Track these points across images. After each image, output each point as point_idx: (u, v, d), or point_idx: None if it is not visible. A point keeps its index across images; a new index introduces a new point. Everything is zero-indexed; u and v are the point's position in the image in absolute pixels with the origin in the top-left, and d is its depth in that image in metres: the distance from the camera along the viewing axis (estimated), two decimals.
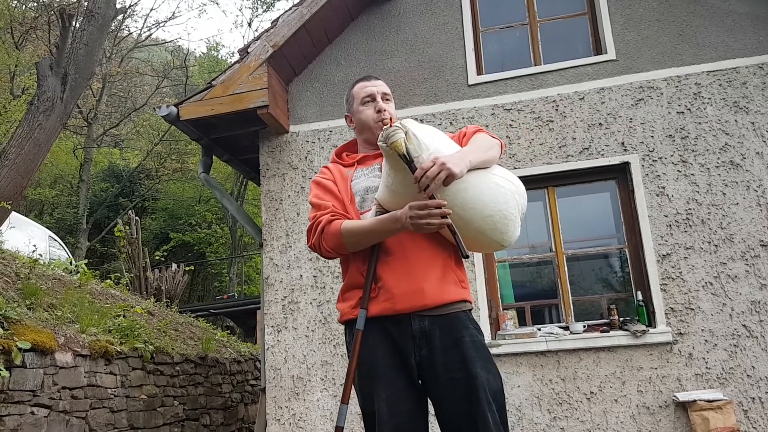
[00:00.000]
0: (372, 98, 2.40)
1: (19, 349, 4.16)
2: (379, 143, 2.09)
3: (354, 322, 2.19)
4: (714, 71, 5.35)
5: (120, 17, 20.56)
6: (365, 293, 2.19)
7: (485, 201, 2.10)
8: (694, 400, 4.69)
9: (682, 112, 5.33)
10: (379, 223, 2.14)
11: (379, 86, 2.44)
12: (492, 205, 2.10)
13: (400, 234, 2.11)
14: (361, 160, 2.40)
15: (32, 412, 4.23)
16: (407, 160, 2.01)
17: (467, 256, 2.02)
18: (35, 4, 17.53)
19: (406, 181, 2.03)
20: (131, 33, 25.19)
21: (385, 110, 2.36)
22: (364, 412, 2.21)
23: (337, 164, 2.48)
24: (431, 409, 2.15)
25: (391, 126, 2.06)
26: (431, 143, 2.08)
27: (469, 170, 2.05)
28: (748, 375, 4.79)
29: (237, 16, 56.90)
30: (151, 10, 42.10)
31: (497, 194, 2.12)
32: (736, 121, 5.23)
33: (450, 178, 1.96)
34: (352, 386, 2.21)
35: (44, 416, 4.35)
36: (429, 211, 1.96)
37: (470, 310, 2.25)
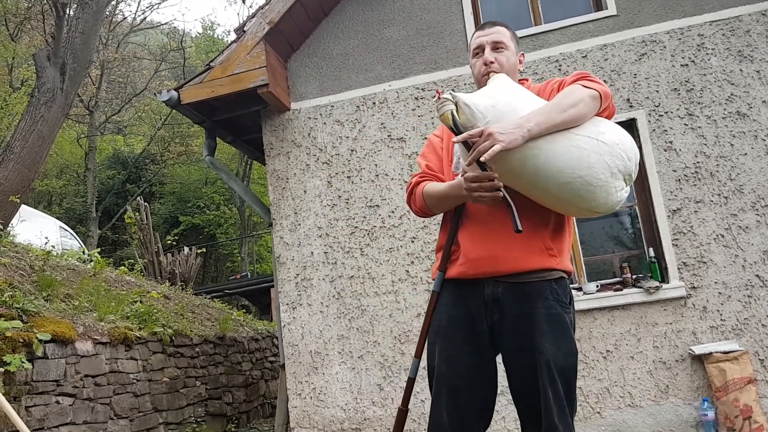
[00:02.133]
0: (481, 49, 2.29)
1: (40, 340, 4.23)
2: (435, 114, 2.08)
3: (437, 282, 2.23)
4: (716, 21, 5.26)
5: (113, 2, 20.38)
6: (444, 256, 2.21)
7: (560, 167, 1.92)
8: (710, 353, 4.71)
9: (686, 65, 5.26)
10: (450, 188, 2.15)
11: (490, 35, 2.29)
12: (568, 171, 1.92)
13: None
14: None
15: (57, 402, 4.31)
16: (456, 132, 1.94)
17: (519, 231, 1.89)
18: None
19: (466, 151, 1.96)
20: (126, 17, 25.02)
21: (492, 62, 2.23)
22: (428, 365, 2.24)
23: None
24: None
25: (439, 98, 1.98)
26: (491, 110, 1.95)
27: (541, 135, 1.91)
28: (763, 325, 4.79)
29: None
30: None
31: (577, 158, 1.92)
32: (741, 70, 5.16)
33: (495, 149, 1.83)
34: (426, 342, 2.25)
35: (69, 405, 4.43)
36: (480, 184, 1.91)
37: (558, 279, 2.13)
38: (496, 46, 2.27)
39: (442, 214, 2.33)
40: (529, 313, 2.07)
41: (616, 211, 5.48)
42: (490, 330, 2.13)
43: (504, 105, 1.99)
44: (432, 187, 2.23)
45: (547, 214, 2.12)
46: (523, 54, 2.40)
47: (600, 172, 1.93)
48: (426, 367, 2.26)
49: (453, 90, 2.04)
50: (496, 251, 2.09)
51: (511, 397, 2.15)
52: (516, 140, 1.87)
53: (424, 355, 2.27)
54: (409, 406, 2.33)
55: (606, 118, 2.09)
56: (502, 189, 1.90)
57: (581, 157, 1.93)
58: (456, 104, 1.97)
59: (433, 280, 2.28)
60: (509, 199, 1.93)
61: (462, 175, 2.05)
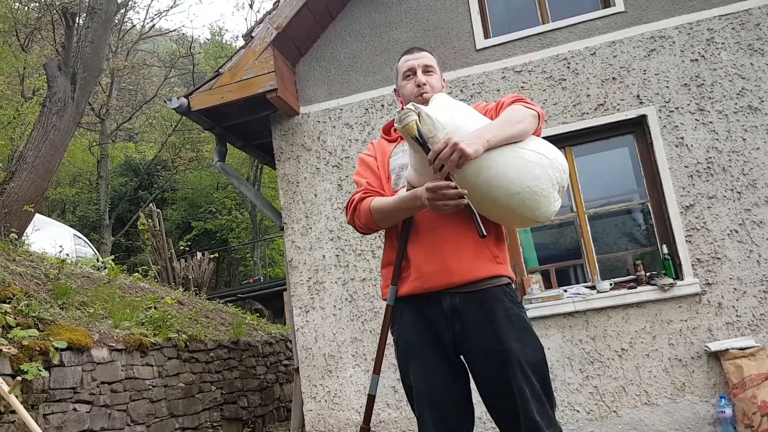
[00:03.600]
0: (413, 72, 2.39)
1: (56, 348, 4.26)
2: (395, 125, 2.10)
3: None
4: (726, 15, 5.22)
5: (122, 11, 20.53)
6: (395, 270, 2.24)
7: (511, 178, 2.05)
8: (727, 349, 4.68)
9: (696, 60, 5.23)
10: (401, 200, 2.18)
11: (420, 59, 2.41)
12: (518, 182, 2.05)
13: (431, 211, 2.10)
14: None
15: (74, 409, 4.34)
16: (420, 142, 2.01)
17: (484, 236, 1.98)
18: (37, 4, 17.53)
19: (425, 162, 2.03)
20: (134, 25, 25.16)
21: (424, 84, 2.35)
22: (404, 385, 2.28)
23: (383, 140, 2.51)
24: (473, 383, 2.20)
25: (403, 109, 2.05)
26: (450, 122, 2.05)
27: (495, 147, 2.02)
28: None
29: None
30: (152, 0, 41.85)
31: (525, 170, 2.06)
32: (751, 64, 5.12)
33: (463, 158, 1.93)
34: (384, 359, 2.30)
35: (86, 412, 4.46)
36: (444, 192, 1.97)
37: (507, 284, 2.22)
38: (426, 69, 2.40)
39: (384, 231, 2.37)
40: (490, 316, 2.13)
41: (629, 207, 5.49)
42: (452, 341, 2.17)
43: (458, 119, 2.09)
44: (380, 201, 2.26)
45: (489, 224, 2.18)
46: (444, 79, 2.52)
47: (544, 183, 2.08)
48: (403, 387, 2.30)
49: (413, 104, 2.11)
50: (449, 263, 2.15)
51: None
52: (478, 150, 1.97)
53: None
54: (370, 424, 2.34)
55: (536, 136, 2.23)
56: (465, 196, 1.96)
57: (528, 169, 2.06)
58: (419, 115, 2.04)
59: (384, 299, 2.31)
60: (471, 206, 2.00)
61: (407, 188, 2.17)
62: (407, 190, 2.19)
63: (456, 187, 1.95)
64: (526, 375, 2.05)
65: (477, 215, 2.00)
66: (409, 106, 2.06)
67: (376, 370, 2.31)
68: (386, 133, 2.54)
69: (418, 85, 2.35)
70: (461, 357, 2.21)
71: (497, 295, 2.16)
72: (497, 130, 2.06)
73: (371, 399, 2.29)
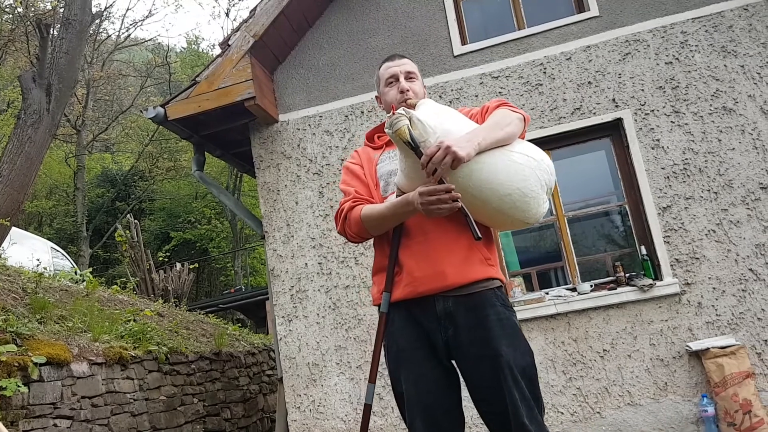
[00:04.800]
0: (395, 79, 2.39)
1: (35, 363, 4.19)
2: (385, 130, 2.09)
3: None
4: (699, 17, 5.31)
5: (97, 21, 20.35)
6: (388, 276, 2.23)
7: (501, 180, 2.07)
8: (707, 348, 4.73)
9: (671, 62, 5.30)
10: (393, 206, 2.17)
11: (402, 65, 2.41)
12: (508, 184, 2.07)
13: (422, 216, 2.10)
14: (389, 142, 2.39)
15: (55, 425, 4.28)
16: (412, 147, 2.01)
17: (479, 238, 2.01)
18: (10, 16, 17.32)
19: (417, 166, 2.03)
20: (110, 35, 24.97)
21: (408, 90, 2.35)
22: (395, 392, 2.26)
23: (367, 147, 2.51)
24: (464, 388, 2.19)
25: (394, 113, 2.05)
26: (440, 126, 2.06)
27: (485, 150, 2.04)
28: (758, 318, 4.82)
29: (213, 7, 56.44)
30: (127, 10, 41.52)
31: (514, 172, 2.08)
32: (725, 66, 5.20)
33: (456, 161, 1.94)
34: (379, 366, 2.26)
35: (67, 427, 4.39)
36: (438, 197, 1.97)
37: (499, 287, 2.23)
38: (409, 76, 2.41)
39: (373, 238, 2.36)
40: (482, 320, 2.13)
41: (607, 209, 5.54)
42: (445, 345, 2.17)
43: (448, 123, 2.11)
44: (370, 209, 2.25)
45: (480, 227, 2.18)
46: (425, 86, 2.52)
47: (533, 184, 2.11)
48: (393, 395, 2.28)
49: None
50: (442, 266, 2.15)
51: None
52: (471, 153, 1.99)
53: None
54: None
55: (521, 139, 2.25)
56: (459, 199, 1.97)
57: (518, 171, 2.09)
58: (410, 119, 2.05)
59: (375, 304, 2.30)
60: (465, 209, 2.01)
61: (397, 194, 2.18)
62: (397, 195, 2.19)
63: (450, 190, 1.96)
64: (516, 379, 2.06)
65: (471, 218, 2.01)
66: (400, 110, 2.06)
67: (372, 379, 2.29)
68: (370, 140, 2.53)
69: (402, 92, 2.35)
70: (453, 362, 2.21)
71: (489, 299, 2.17)
72: (487, 133, 2.08)
73: (368, 408, 2.27)
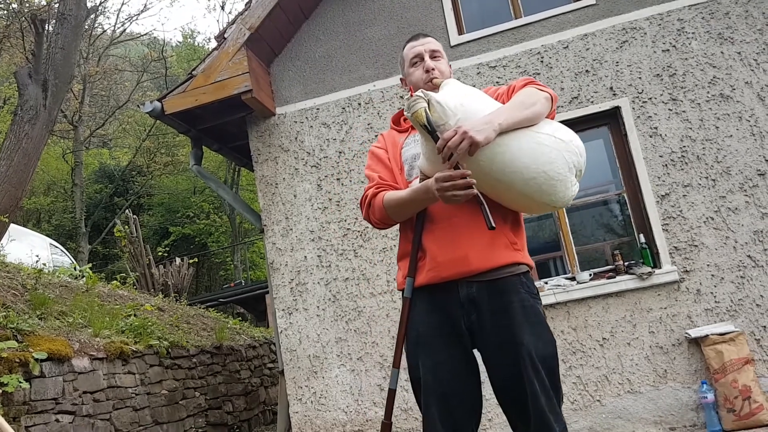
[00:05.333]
0: (420, 58, 2.32)
1: (36, 359, 4.20)
2: (405, 113, 2.04)
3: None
4: (695, 4, 5.29)
5: (92, 16, 20.26)
6: (411, 262, 2.20)
7: (525, 163, 1.99)
8: (706, 335, 4.74)
9: (668, 50, 5.29)
10: (414, 193, 2.13)
11: (427, 44, 2.34)
12: (534, 167, 1.99)
13: None
14: None
15: (57, 420, 4.29)
16: (429, 131, 1.95)
17: (493, 227, 1.91)
18: (5, 12, 17.25)
19: (436, 150, 1.96)
20: (105, 30, 24.87)
21: (433, 69, 2.28)
22: (411, 378, 2.22)
23: (393, 130, 2.46)
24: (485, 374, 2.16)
25: (412, 96, 2.00)
26: (460, 108, 1.99)
27: (507, 132, 1.97)
28: (757, 305, 4.83)
29: (209, 0, 56.10)
30: (122, 4, 41.46)
31: (540, 154, 2.00)
32: (722, 53, 5.19)
33: (474, 146, 1.88)
34: (402, 352, 2.23)
35: (69, 422, 4.40)
36: (453, 183, 1.91)
37: (525, 273, 2.18)
38: (434, 55, 2.33)
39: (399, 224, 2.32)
40: (505, 307, 2.09)
41: (605, 198, 5.54)
42: (468, 331, 2.13)
43: (469, 104, 2.03)
44: (392, 195, 2.21)
45: (505, 210, 2.16)
46: (450, 65, 2.45)
47: (560, 167, 2.02)
48: (410, 381, 2.23)
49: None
50: (466, 251, 2.10)
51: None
52: (489, 136, 1.92)
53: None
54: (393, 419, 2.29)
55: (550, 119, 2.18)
56: (474, 186, 1.91)
57: (543, 153, 2.00)
58: (428, 102, 1.99)
59: (399, 289, 2.27)
60: (480, 197, 1.94)
61: (421, 179, 2.11)
62: (420, 180, 2.13)
63: (466, 176, 1.89)
64: (536, 369, 2.02)
65: (485, 206, 1.93)
66: (418, 93, 2.00)
67: (396, 364, 2.24)
68: (396, 124, 2.48)
69: (427, 71, 2.28)
70: (474, 350, 2.16)
71: (514, 286, 2.12)
72: (509, 114, 2.00)
73: (392, 393, 2.23)
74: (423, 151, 2.11)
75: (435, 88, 2.20)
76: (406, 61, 2.38)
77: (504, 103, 2.11)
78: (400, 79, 2.46)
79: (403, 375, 2.95)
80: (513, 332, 2.05)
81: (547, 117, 2.14)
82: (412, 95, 2.01)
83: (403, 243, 2.29)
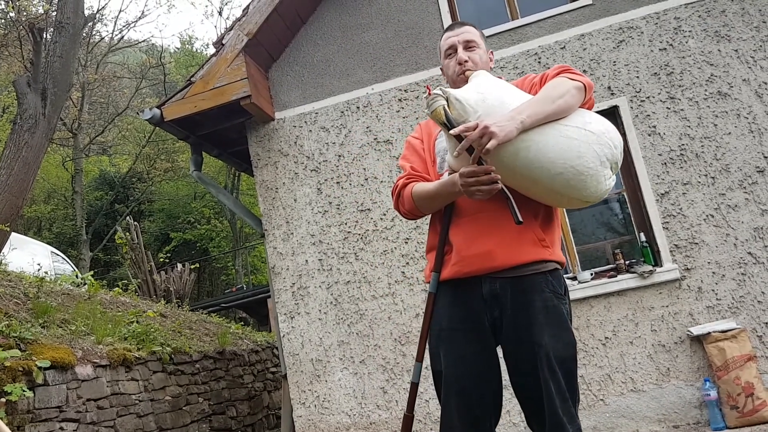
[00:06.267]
0: (454, 50, 2.30)
1: (39, 368, 4.20)
2: (425, 111, 2.06)
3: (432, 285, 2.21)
4: (692, 3, 5.30)
5: (90, 24, 20.29)
6: (438, 256, 2.18)
7: (551, 158, 1.93)
8: (709, 333, 4.74)
9: (665, 49, 5.30)
10: (441, 186, 2.12)
11: (461, 34, 2.31)
12: (561, 162, 1.93)
13: None
14: None
15: (61, 428, 4.29)
16: (448, 128, 1.93)
17: (520, 222, 1.90)
18: (3, 21, 17.28)
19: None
20: (103, 38, 24.87)
21: (466, 61, 2.25)
22: (433, 370, 2.21)
23: (430, 121, 2.42)
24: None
25: (429, 94, 1.99)
26: (481, 104, 1.96)
27: (532, 126, 1.93)
28: (759, 301, 4.83)
29: (206, 6, 56.20)
30: (120, 11, 41.50)
31: (567, 148, 1.94)
32: (719, 50, 5.20)
33: (493, 142, 1.84)
34: (426, 346, 2.22)
35: (73, 430, 4.40)
36: (477, 179, 1.90)
37: (553, 270, 2.13)
38: (468, 45, 2.29)
39: (429, 216, 2.31)
40: (527, 306, 2.06)
41: (605, 197, 5.52)
42: (491, 327, 2.11)
43: (493, 99, 1.99)
44: (421, 187, 2.21)
45: (536, 205, 2.12)
46: (492, 52, 2.41)
47: (590, 161, 1.95)
48: (431, 372, 2.24)
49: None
50: (491, 246, 2.07)
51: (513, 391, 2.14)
52: (511, 132, 1.88)
53: (426, 358, 2.26)
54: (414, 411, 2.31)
55: (587, 109, 2.12)
56: (499, 181, 1.90)
57: (571, 147, 1.94)
58: (447, 99, 1.97)
59: (427, 282, 2.25)
60: (507, 191, 1.93)
61: (449, 173, 2.07)
62: (449, 174, 2.10)
63: (490, 172, 1.87)
64: (552, 370, 2.00)
65: (512, 200, 1.92)
66: (437, 90, 1.99)
67: (419, 358, 2.24)
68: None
69: (460, 63, 2.26)
70: (497, 346, 2.15)
71: (539, 284, 2.08)
72: (535, 108, 1.95)
73: (414, 386, 2.24)
74: (448, 147, 2.09)
75: (466, 80, 2.18)
76: (442, 52, 2.36)
77: (536, 94, 2.07)
78: (441, 68, 2.43)
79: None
80: (532, 332, 2.04)
81: (584, 106, 2.10)
82: (429, 93, 2.00)
83: (432, 236, 2.28)
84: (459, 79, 2.25)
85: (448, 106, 1.96)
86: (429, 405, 5.20)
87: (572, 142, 1.95)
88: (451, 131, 1.91)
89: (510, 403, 4.96)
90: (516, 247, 2.07)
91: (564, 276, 2.22)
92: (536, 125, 1.94)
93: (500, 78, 2.27)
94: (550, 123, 1.96)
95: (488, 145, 1.84)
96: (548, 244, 2.13)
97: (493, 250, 2.07)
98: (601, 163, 1.98)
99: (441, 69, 2.42)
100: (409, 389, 2.28)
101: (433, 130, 2.36)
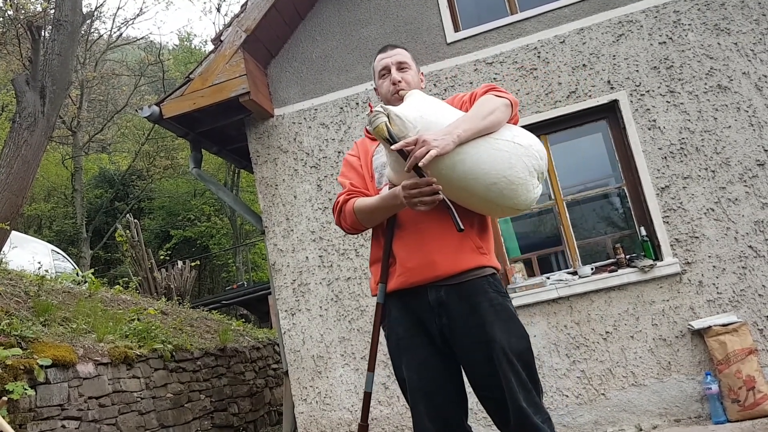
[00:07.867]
0: (387, 70, 2.41)
1: (41, 366, 4.20)
2: (366, 127, 2.13)
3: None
4: None
5: (88, 21, 20.26)
6: (383, 268, 2.27)
7: (485, 170, 2.07)
8: (709, 326, 4.74)
9: (664, 42, 5.29)
10: (382, 200, 2.21)
11: (394, 56, 2.43)
12: (494, 173, 2.07)
13: None
14: None
15: (63, 426, 4.29)
16: (390, 143, 2.03)
17: (462, 230, 2.02)
18: (1, 19, 17.25)
19: (400, 160, 2.05)
20: (102, 35, 24.82)
21: (399, 81, 2.37)
22: (398, 378, 2.30)
23: (366, 139, 2.53)
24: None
25: (371, 112, 2.08)
26: (420, 120, 2.08)
27: (466, 141, 2.05)
28: (759, 295, 4.83)
29: (204, 2, 55.95)
30: (118, 9, 41.44)
31: (499, 160, 2.09)
32: (719, 44, 5.19)
33: (431, 156, 1.95)
34: (380, 356, 2.30)
35: (75, 428, 4.41)
36: (419, 190, 2.00)
37: (492, 275, 2.24)
38: (401, 66, 2.42)
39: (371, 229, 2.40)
40: (475, 308, 2.15)
41: (605, 192, 5.54)
42: (440, 334, 2.20)
43: (430, 115, 2.12)
44: (362, 202, 2.29)
45: (472, 216, 2.23)
46: (422, 73, 2.54)
47: (520, 171, 2.10)
48: (397, 381, 2.32)
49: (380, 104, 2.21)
50: (432, 256, 2.18)
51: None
52: (449, 145, 1.99)
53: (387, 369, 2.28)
54: (369, 420, 2.37)
55: (513, 124, 2.25)
56: (441, 192, 2.00)
57: (503, 159, 2.09)
58: (388, 116, 2.07)
59: (374, 295, 2.33)
60: (448, 201, 2.04)
61: (389, 187, 2.20)
62: (389, 188, 2.21)
63: (431, 184, 1.98)
64: (511, 364, 2.09)
65: (453, 210, 2.03)
66: (378, 108, 2.08)
67: (371, 368, 2.34)
68: (368, 132, 2.55)
69: (394, 83, 2.37)
70: (451, 348, 2.23)
71: (482, 287, 2.18)
72: (468, 124, 2.08)
73: (367, 396, 2.32)
74: (388, 162, 2.19)
75: (400, 99, 2.29)
76: (376, 72, 2.47)
77: (467, 111, 2.19)
78: (374, 88, 2.55)
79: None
80: (484, 330, 2.12)
81: (510, 122, 2.23)
82: (371, 111, 2.09)
83: (375, 249, 2.36)
84: (393, 98, 2.36)
85: (389, 122, 2.05)
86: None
87: (503, 154, 2.09)
88: (393, 146, 2.01)
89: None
90: (457, 255, 2.18)
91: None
92: (470, 139, 2.07)
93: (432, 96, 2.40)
94: (483, 137, 2.10)
95: (427, 157, 1.94)
96: (486, 251, 2.25)
97: (435, 260, 2.17)
98: (530, 173, 2.13)
99: (375, 89, 2.53)
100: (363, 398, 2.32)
101: (369, 146, 2.46)
